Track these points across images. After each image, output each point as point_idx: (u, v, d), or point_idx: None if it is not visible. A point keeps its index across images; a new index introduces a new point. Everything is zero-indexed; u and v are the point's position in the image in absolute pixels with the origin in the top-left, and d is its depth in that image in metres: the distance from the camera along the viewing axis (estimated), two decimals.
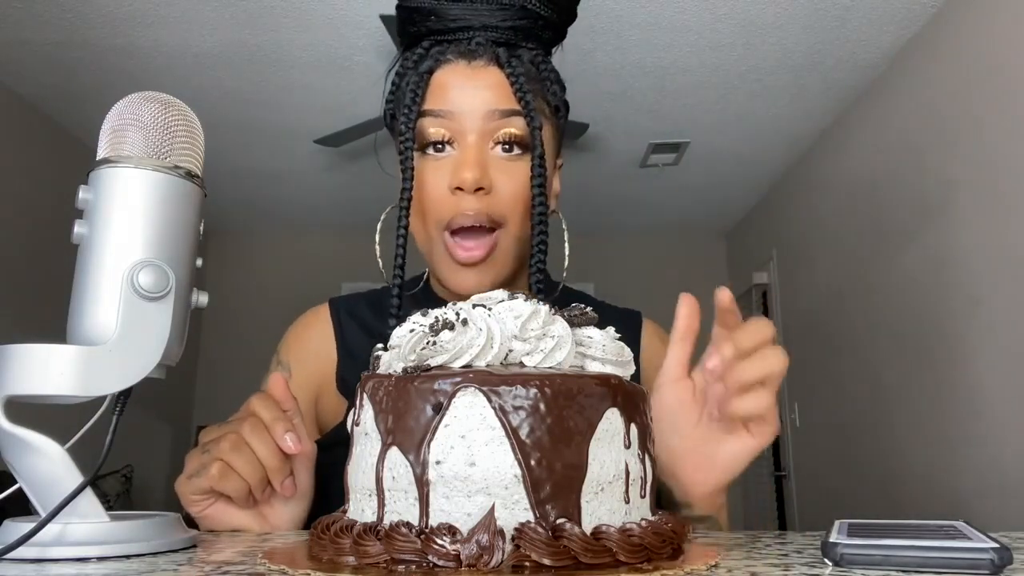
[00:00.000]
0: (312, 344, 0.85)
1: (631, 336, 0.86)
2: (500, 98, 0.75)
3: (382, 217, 0.82)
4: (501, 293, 0.50)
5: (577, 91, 3.22)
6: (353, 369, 0.83)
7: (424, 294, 0.86)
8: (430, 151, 0.76)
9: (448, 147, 0.75)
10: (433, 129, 0.75)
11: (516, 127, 0.75)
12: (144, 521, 0.51)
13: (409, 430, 0.42)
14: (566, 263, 0.81)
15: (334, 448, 0.68)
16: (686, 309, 0.62)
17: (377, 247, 0.81)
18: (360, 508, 0.45)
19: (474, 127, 0.74)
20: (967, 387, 2.58)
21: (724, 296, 0.59)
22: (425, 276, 0.88)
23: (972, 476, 2.55)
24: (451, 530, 0.40)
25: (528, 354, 0.46)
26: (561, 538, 0.39)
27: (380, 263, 0.80)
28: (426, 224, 0.76)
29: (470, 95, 0.75)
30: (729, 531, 0.66)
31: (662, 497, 0.66)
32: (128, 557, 0.47)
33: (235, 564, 0.45)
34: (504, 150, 0.75)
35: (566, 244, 0.81)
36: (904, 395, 3.01)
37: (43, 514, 0.47)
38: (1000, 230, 2.40)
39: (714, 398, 0.60)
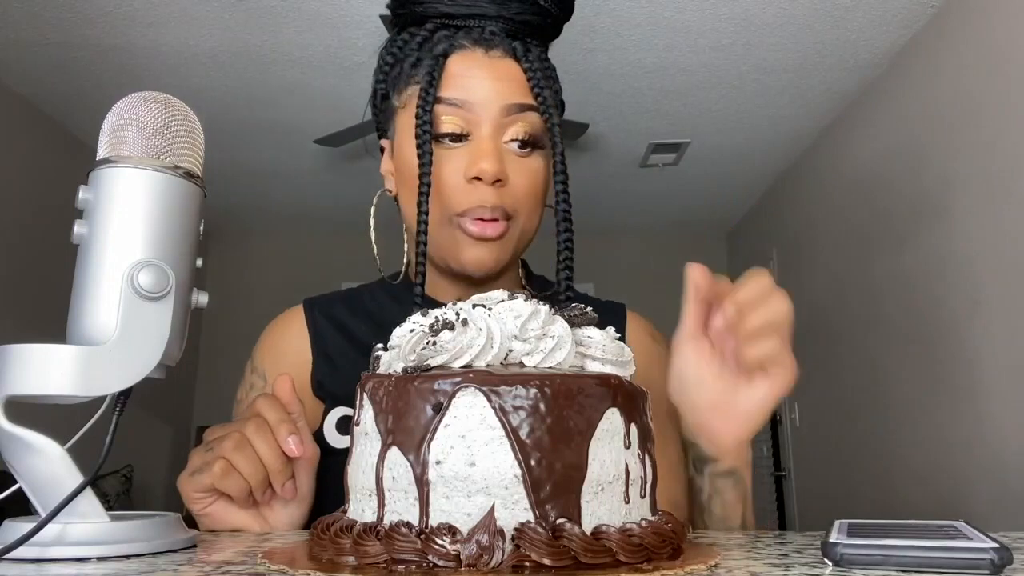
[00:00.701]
0: (288, 348, 0.84)
1: (615, 328, 0.86)
2: (516, 91, 0.74)
3: (374, 201, 0.81)
4: (501, 293, 0.50)
5: (577, 91, 3.24)
6: (329, 372, 0.81)
7: (404, 287, 0.85)
8: (444, 141, 0.74)
9: (463, 139, 0.74)
10: (446, 118, 0.74)
11: (530, 123, 0.74)
12: (144, 521, 0.51)
13: (409, 430, 0.42)
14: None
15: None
16: (696, 272, 0.63)
17: (372, 232, 0.79)
18: (360, 508, 0.45)
19: (489, 118, 0.73)
20: (967, 387, 2.58)
21: (696, 273, 0.62)
22: (404, 270, 0.87)
23: (972, 476, 2.55)
24: (451, 530, 0.40)
25: (528, 354, 0.46)
26: (561, 538, 0.39)
27: (375, 248, 0.79)
28: (439, 212, 0.75)
29: (487, 86, 0.74)
30: (750, 493, 0.68)
31: (688, 457, 0.68)
32: (128, 557, 0.47)
33: (235, 564, 0.45)
34: (519, 146, 0.74)
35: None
36: (904, 395, 3.01)
37: (43, 514, 0.47)
38: (1000, 230, 2.40)
39: (730, 352, 0.63)
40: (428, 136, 0.73)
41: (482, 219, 0.73)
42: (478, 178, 0.72)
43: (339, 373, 0.80)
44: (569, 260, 0.74)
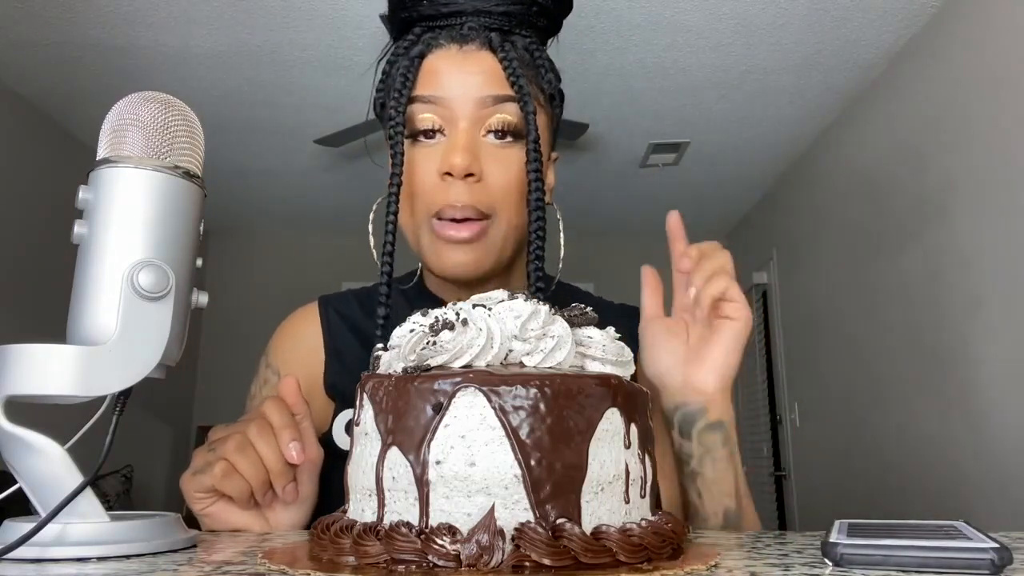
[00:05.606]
0: (301, 346, 0.84)
1: (629, 331, 0.86)
2: (492, 83, 0.73)
3: (373, 208, 0.81)
4: (501, 293, 0.50)
5: (577, 91, 3.24)
6: (341, 373, 0.81)
7: (417, 290, 0.85)
8: (421, 138, 0.74)
9: (439, 135, 0.74)
10: (423, 115, 0.73)
11: (509, 113, 0.73)
12: (144, 521, 0.51)
13: (409, 430, 0.42)
14: (562, 253, 0.79)
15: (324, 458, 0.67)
16: (650, 272, 0.74)
17: (371, 238, 0.79)
18: (360, 508, 0.45)
19: (465, 113, 0.73)
20: (967, 387, 2.58)
21: (674, 219, 0.73)
22: (419, 273, 0.87)
23: (972, 476, 2.55)
24: (451, 530, 0.40)
25: (528, 354, 0.46)
26: (561, 538, 0.39)
27: (375, 253, 0.79)
28: (414, 211, 0.75)
29: (461, 80, 0.73)
30: (739, 457, 0.70)
31: (674, 431, 0.69)
32: (128, 557, 0.47)
33: (235, 564, 0.45)
34: (496, 137, 0.73)
35: (561, 236, 0.80)
36: (904, 395, 3.01)
37: (43, 514, 0.47)
38: (1000, 230, 2.40)
39: (690, 314, 0.71)
40: (400, 137, 0.72)
41: (455, 220, 0.72)
42: (450, 173, 0.71)
43: (350, 374, 0.80)
44: (540, 251, 0.72)
